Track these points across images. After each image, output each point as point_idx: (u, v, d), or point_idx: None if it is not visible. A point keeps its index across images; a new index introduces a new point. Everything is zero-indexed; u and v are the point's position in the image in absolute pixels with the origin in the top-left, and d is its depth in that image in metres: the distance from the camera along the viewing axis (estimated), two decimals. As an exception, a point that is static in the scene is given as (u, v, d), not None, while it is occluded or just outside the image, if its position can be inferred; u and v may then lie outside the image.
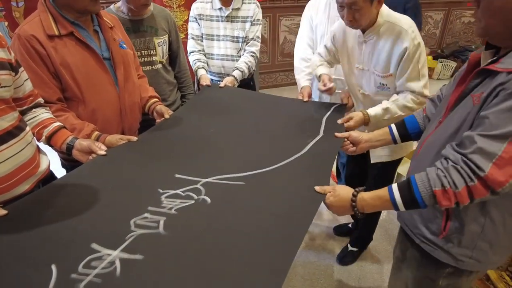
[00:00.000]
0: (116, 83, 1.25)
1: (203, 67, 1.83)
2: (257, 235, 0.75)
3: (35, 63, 1.10)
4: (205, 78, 1.80)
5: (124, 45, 1.32)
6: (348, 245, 1.88)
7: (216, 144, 1.14)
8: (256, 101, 1.50)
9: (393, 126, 1.13)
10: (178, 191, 0.87)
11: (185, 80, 1.83)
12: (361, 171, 1.67)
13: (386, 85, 1.30)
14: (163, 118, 1.31)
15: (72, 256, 0.67)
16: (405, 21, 1.21)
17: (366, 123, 1.28)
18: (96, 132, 1.17)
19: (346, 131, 1.20)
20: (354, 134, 1.17)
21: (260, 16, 1.87)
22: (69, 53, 1.14)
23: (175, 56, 1.74)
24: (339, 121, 1.27)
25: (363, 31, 1.25)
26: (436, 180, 0.74)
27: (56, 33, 1.11)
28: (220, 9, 1.80)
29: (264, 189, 0.91)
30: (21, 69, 1.00)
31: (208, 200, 0.84)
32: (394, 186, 0.82)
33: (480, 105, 0.72)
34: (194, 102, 1.56)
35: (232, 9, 1.80)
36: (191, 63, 1.87)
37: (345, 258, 1.84)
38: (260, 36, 1.88)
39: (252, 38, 1.84)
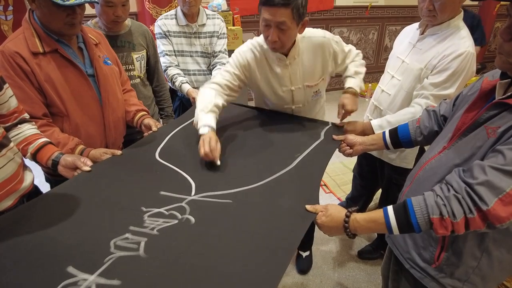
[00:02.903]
0: (100, 99, 1.25)
1: (187, 82, 1.88)
2: (241, 257, 0.74)
3: (20, 79, 1.10)
4: (194, 91, 1.83)
5: (109, 61, 1.33)
6: (299, 251, 1.88)
7: (203, 160, 1.13)
8: (250, 116, 1.49)
9: (386, 132, 1.17)
10: (161, 210, 0.86)
11: (164, 94, 1.86)
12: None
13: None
14: (150, 131, 1.32)
15: (46, 281, 0.65)
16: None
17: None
18: (81, 146, 1.17)
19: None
20: (350, 137, 1.22)
21: (225, 29, 1.98)
22: (53, 70, 1.14)
23: (153, 70, 1.77)
24: (335, 137, 1.26)
25: (286, 55, 1.25)
26: (434, 208, 0.72)
27: (41, 50, 1.11)
28: (186, 25, 1.87)
29: (252, 206, 0.90)
30: (6, 85, 1.00)
31: (192, 219, 0.84)
32: (390, 208, 0.79)
33: (496, 139, 0.70)
34: (187, 116, 1.51)
35: (198, 25, 1.89)
36: (168, 78, 1.91)
37: (303, 266, 1.85)
38: (226, 49, 1.98)
39: (220, 51, 1.96)
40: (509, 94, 0.72)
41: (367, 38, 4.52)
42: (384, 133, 1.17)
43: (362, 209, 2.11)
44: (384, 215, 0.79)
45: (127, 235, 0.78)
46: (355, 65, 1.38)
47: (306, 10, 1.12)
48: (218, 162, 1.06)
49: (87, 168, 1.03)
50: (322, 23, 4.12)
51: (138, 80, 1.67)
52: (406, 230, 0.78)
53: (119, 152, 1.15)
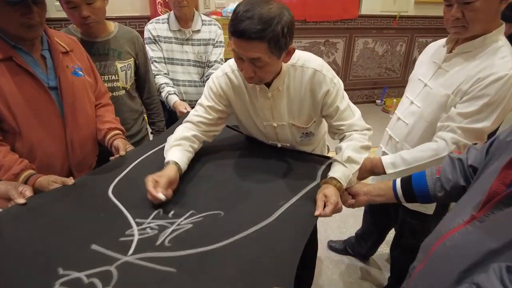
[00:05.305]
0: (62, 115, 1.09)
1: (174, 93, 1.69)
2: None
3: None
4: (181, 104, 1.65)
5: (80, 72, 1.17)
6: None
7: (163, 204, 0.89)
8: (232, 146, 1.24)
9: (398, 181, 0.93)
10: (81, 275, 0.66)
11: (155, 107, 1.67)
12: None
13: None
14: (117, 155, 1.14)
15: None
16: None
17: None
18: (28, 172, 1.00)
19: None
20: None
21: (222, 37, 1.75)
22: (5, 81, 0.99)
23: (143, 80, 1.59)
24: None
25: (268, 84, 1.01)
26: None
27: None
28: (179, 30, 1.67)
29: (199, 280, 0.67)
30: None
31: None
32: None
33: None
34: (159, 139, 1.26)
35: (192, 31, 1.68)
36: (156, 87, 1.72)
37: None
38: (223, 59, 1.74)
39: (215, 61, 1.73)
40: None
41: (394, 50, 4.19)
42: (394, 181, 0.92)
43: (372, 248, 1.85)
44: None
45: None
46: (353, 147, 0.99)
47: (290, 39, 0.87)
48: (163, 197, 0.86)
49: (21, 201, 0.86)
50: (345, 32, 3.85)
51: (123, 91, 1.50)
52: None
53: (71, 181, 0.98)
